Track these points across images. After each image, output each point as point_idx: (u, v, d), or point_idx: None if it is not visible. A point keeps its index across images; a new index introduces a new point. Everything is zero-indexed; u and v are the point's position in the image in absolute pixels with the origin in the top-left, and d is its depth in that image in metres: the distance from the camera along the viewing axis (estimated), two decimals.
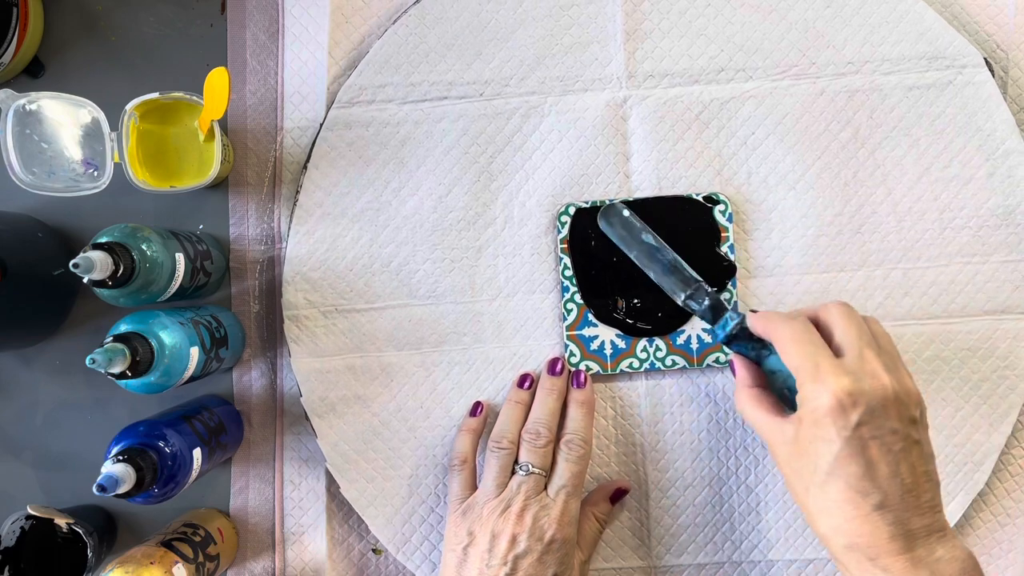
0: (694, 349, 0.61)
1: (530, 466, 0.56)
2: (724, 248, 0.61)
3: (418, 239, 0.62)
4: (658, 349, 0.61)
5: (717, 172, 0.61)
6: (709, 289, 0.57)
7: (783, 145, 0.61)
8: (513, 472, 0.56)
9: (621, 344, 0.61)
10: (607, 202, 0.61)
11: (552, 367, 0.61)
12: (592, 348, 0.61)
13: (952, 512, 0.60)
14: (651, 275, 0.59)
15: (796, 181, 0.61)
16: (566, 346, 0.61)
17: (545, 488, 0.56)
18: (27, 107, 0.54)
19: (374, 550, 0.63)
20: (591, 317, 0.61)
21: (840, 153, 0.61)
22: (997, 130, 0.61)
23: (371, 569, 0.63)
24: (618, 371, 0.61)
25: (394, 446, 0.62)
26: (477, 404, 0.61)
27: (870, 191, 0.61)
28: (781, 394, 0.52)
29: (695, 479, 0.61)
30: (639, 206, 0.61)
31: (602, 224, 0.60)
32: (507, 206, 0.62)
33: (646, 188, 0.61)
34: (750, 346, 0.54)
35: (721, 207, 0.61)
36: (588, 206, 0.61)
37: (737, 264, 0.61)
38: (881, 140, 0.61)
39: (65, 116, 0.54)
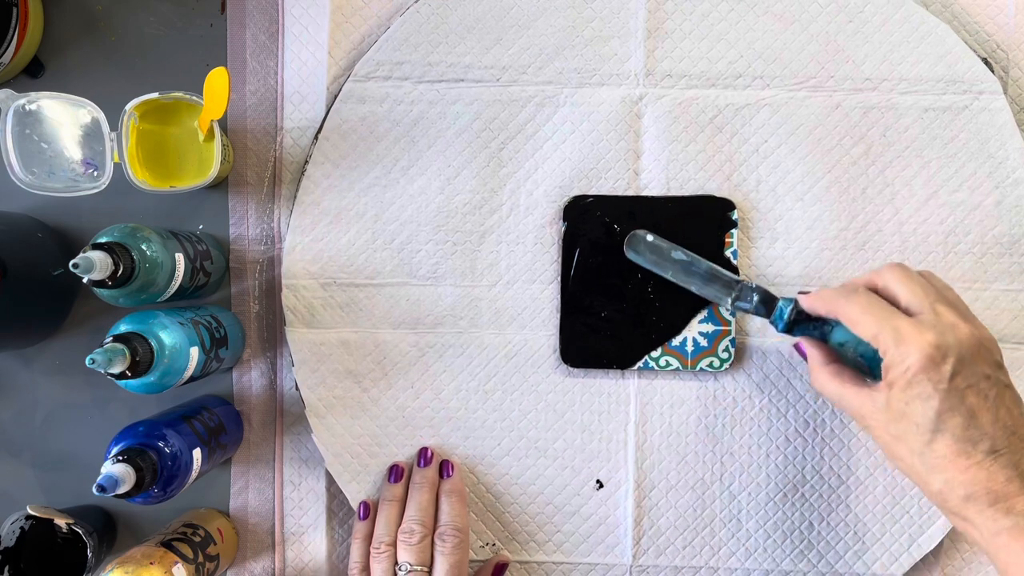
0: (689, 352, 0.61)
1: (408, 565, 0.56)
2: (728, 253, 0.61)
3: (422, 219, 0.62)
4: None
5: (727, 177, 0.61)
6: (753, 285, 0.56)
7: (794, 155, 0.61)
8: (395, 574, 0.57)
9: None
10: (599, 198, 0.61)
11: (421, 458, 0.61)
12: None
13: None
14: (692, 289, 0.58)
15: (804, 192, 0.61)
16: None
17: None
18: (27, 107, 0.53)
19: None
20: None
21: (850, 168, 0.61)
22: (1009, 158, 0.61)
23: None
24: (612, 367, 0.61)
25: (382, 424, 0.62)
26: (364, 506, 0.61)
27: (877, 209, 0.61)
28: (856, 363, 0.51)
29: (679, 482, 0.61)
30: (654, 202, 0.61)
31: (630, 254, 0.60)
32: (514, 194, 0.62)
33: (655, 187, 0.61)
34: (812, 326, 0.53)
35: (731, 211, 0.61)
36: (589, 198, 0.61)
37: (739, 270, 0.61)
38: (892, 159, 0.61)
39: (65, 116, 0.54)
